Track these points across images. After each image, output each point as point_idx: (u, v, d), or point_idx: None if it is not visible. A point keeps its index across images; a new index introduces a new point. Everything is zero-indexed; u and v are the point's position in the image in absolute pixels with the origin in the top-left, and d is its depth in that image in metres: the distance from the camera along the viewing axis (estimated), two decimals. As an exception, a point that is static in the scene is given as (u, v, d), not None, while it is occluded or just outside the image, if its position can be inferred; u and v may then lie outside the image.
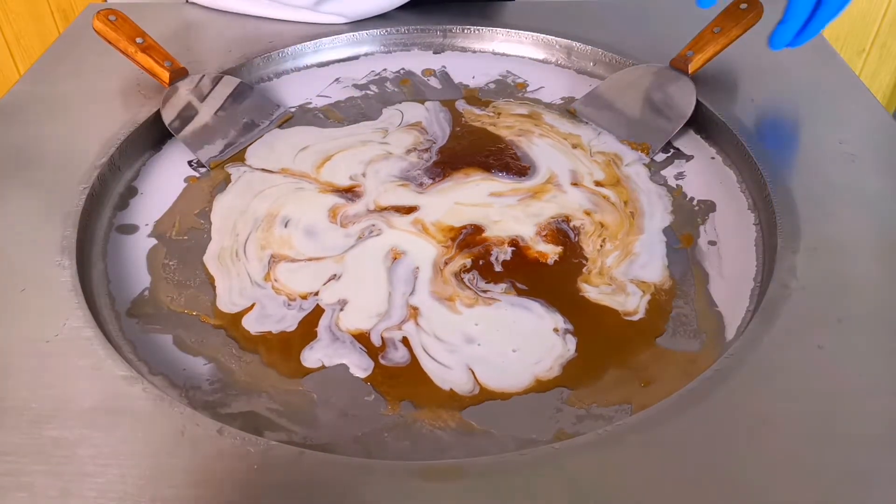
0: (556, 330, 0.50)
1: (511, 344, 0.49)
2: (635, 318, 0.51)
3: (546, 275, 0.54)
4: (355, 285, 0.53)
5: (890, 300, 0.49)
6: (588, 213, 0.59)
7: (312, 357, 0.48)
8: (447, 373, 0.47)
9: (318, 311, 0.51)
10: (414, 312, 0.51)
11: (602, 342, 0.49)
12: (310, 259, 0.55)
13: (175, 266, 0.54)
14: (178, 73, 0.67)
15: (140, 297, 0.52)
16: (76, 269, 0.50)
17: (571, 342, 0.49)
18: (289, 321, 0.50)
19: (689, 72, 0.68)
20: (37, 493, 0.38)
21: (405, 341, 0.49)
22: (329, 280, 0.53)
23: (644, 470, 0.39)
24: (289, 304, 0.51)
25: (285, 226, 0.58)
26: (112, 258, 0.55)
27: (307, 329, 0.50)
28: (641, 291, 0.52)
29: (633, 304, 0.51)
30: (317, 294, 0.52)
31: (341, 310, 0.51)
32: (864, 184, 0.57)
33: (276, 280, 0.53)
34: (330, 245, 0.56)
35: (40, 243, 0.52)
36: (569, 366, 0.48)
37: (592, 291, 0.52)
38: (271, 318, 0.51)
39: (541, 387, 0.46)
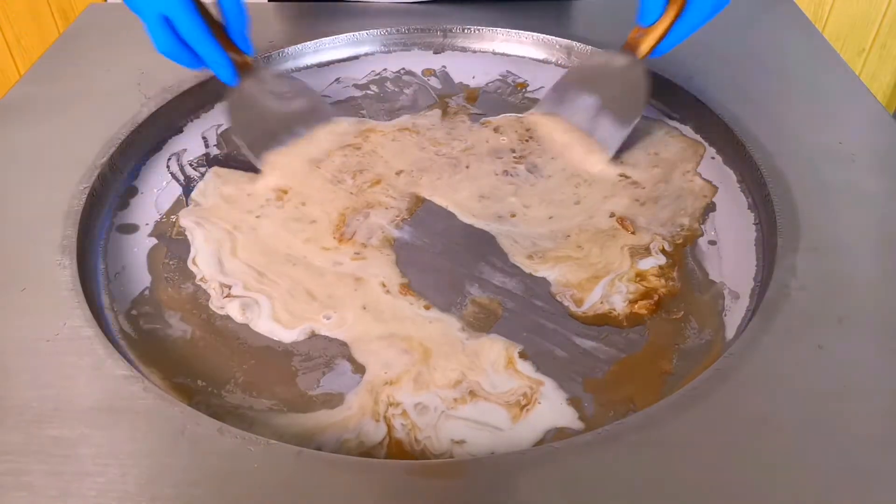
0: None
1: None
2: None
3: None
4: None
5: (890, 300, 0.49)
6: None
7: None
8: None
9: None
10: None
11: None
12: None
13: (175, 265, 0.54)
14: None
15: (140, 296, 0.52)
16: (76, 268, 0.50)
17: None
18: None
19: (640, 55, 0.62)
20: (37, 493, 0.38)
21: None
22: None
23: (644, 470, 0.39)
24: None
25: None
26: (112, 258, 0.55)
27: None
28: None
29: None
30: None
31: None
32: (864, 184, 0.57)
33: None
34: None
35: (40, 243, 0.52)
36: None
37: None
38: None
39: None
